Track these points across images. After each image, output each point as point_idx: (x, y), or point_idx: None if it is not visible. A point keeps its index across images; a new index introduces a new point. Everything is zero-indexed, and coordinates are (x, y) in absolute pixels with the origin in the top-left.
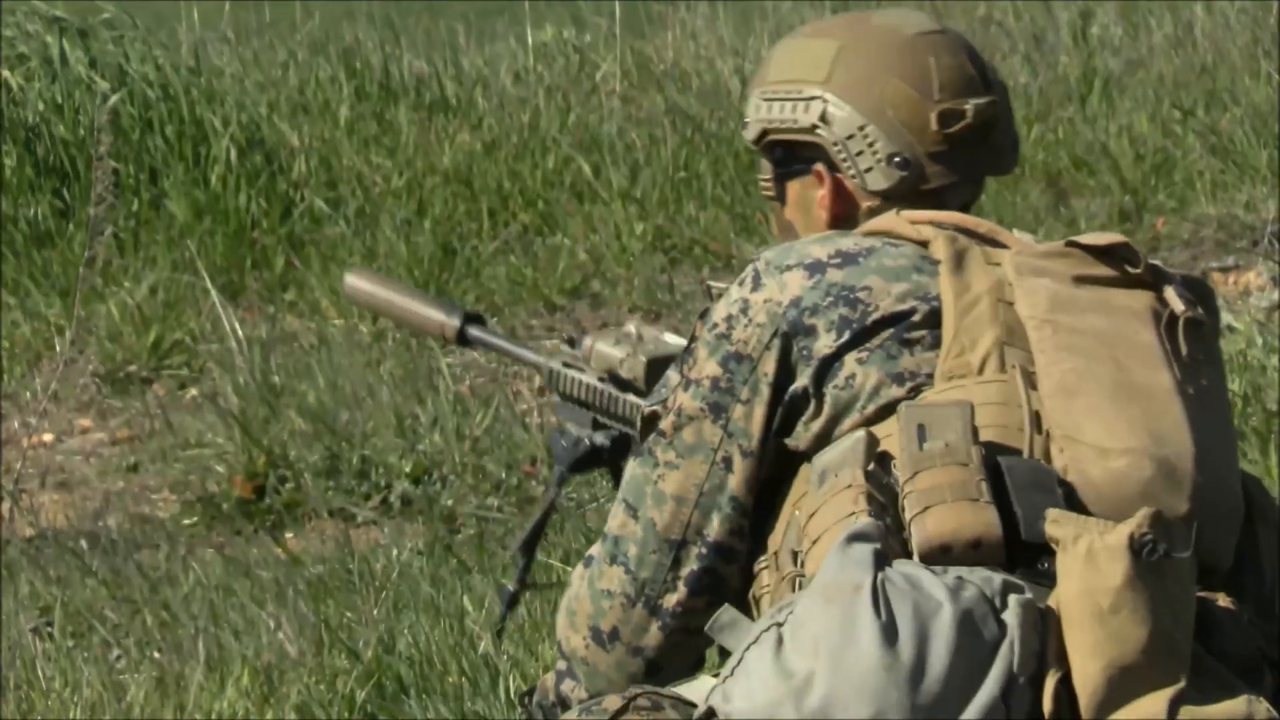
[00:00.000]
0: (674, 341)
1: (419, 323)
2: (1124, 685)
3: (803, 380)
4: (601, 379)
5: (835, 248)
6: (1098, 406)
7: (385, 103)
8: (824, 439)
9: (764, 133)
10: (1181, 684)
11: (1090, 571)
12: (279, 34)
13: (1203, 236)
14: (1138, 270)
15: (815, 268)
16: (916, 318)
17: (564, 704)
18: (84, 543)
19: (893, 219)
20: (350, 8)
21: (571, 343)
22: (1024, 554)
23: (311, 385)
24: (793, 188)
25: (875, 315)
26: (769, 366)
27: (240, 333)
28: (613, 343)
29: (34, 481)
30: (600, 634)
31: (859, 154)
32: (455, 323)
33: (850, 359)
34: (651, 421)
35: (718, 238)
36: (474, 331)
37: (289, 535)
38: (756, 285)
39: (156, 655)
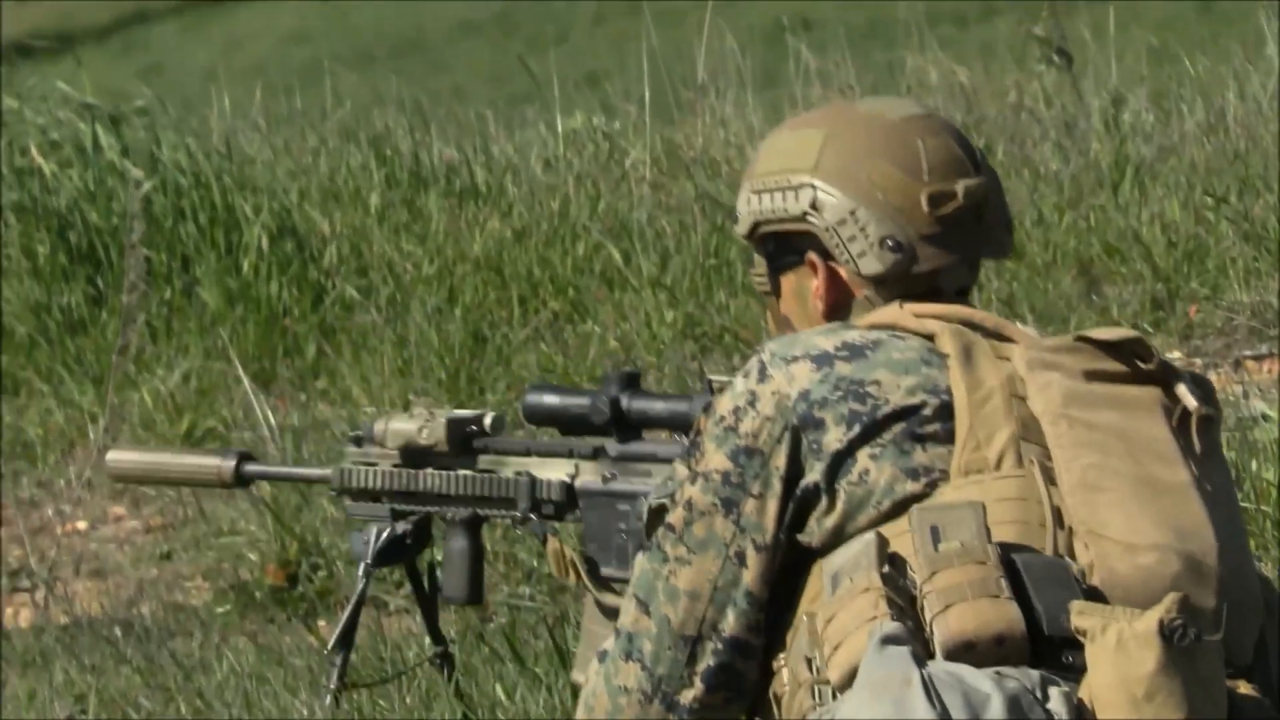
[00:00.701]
0: (467, 411)
1: (194, 474)
2: None
3: (814, 475)
4: (396, 465)
5: (841, 340)
6: (1121, 502)
7: (416, 190)
8: (839, 535)
9: (755, 225)
10: None
11: (1122, 660)
12: (309, 121)
13: (1236, 324)
14: (1149, 366)
15: (823, 359)
16: (927, 411)
17: None
18: (118, 630)
19: (896, 312)
20: (380, 94)
21: (358, 441)
22: (1047, 649)
23: None
24: (788, 280)
25: (886, 410)
26: (780, 460)
27: (273, 420)
28: (406, 418)
29: (68, 569)
30: None
31: (851, 239)
32: (230, 464)
33: (863, 455)
34: (659, 515)
35: (749, 325)
36: (249, 468)
37: (322, 623)
38: (763, 377)
39: None
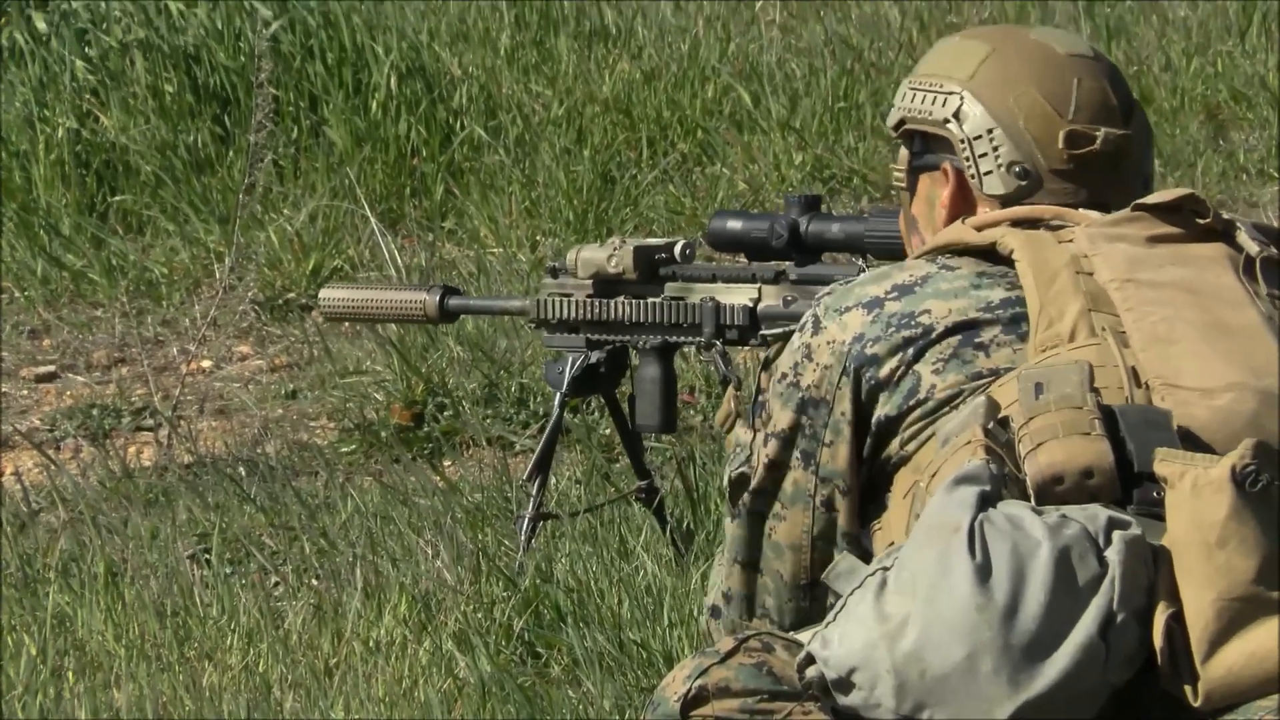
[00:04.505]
0: (656, 240)
1: (401, 310)
2: (1235, 616)
3: (884, 409)
4: (589, 295)
5: (891, 283)
6: (1193, 349)
7: (545, 31)
8: (923, 444)
9: (902, 121)
10: None
11: (1196, 506)
12: None
13: None
14: (1206, 220)
15: (873, 304)
16: (984, 321)
17: None
18: (242, 469)
19: (958, 228)
20: None
21: (554, 273)
22: (1139, 488)
23: None
24: (923, 182)
25: (938, 329)
26: (845, 405)
27: (399, 260)
28: (596, 247)
29: (192, 408)
30: None
31: (982, 155)
32: (435, 298)
33: (925, 371)
34: (741, 483)
35: (877, 168)
36: (453, 302)
37: (447, 463)
38: (817, 329)
39: (314, 582)
